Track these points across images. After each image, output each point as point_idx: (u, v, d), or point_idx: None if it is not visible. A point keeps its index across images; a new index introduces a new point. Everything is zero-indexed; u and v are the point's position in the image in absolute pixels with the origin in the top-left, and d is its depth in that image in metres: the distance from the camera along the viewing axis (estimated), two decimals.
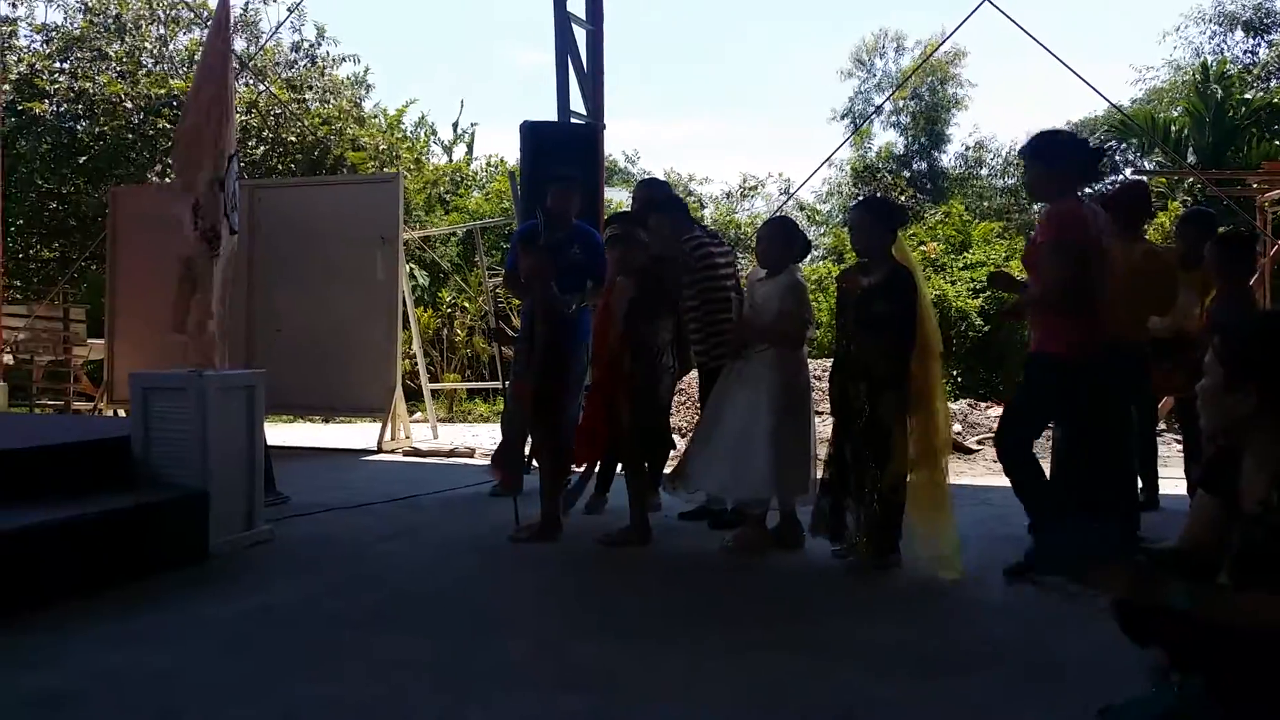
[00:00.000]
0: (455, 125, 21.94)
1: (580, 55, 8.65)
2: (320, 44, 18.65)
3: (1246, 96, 18.16)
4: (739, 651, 3.38)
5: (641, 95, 47.68)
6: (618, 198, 19.49)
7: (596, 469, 5.81)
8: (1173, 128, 17.83)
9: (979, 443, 8.98)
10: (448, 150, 21.82)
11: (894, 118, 28.22)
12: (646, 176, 19.43)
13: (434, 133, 21.79)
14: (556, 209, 5.50)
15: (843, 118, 29.49)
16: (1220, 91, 17.25)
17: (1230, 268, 5.10)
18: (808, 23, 50.82)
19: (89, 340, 11.83)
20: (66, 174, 16.33)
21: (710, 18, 52.53)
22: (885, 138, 28.86)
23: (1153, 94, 23.27)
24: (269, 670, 3.20)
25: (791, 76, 49.15)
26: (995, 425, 9.66)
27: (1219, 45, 23.60)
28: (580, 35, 8.68)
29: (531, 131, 7.17)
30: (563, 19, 8.47)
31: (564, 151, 7.13)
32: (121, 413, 9.52)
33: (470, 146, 21.85)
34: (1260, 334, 2.13)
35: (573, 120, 8.40)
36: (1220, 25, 23.79)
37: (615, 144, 30.12)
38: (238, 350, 8.22)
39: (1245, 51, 23.08)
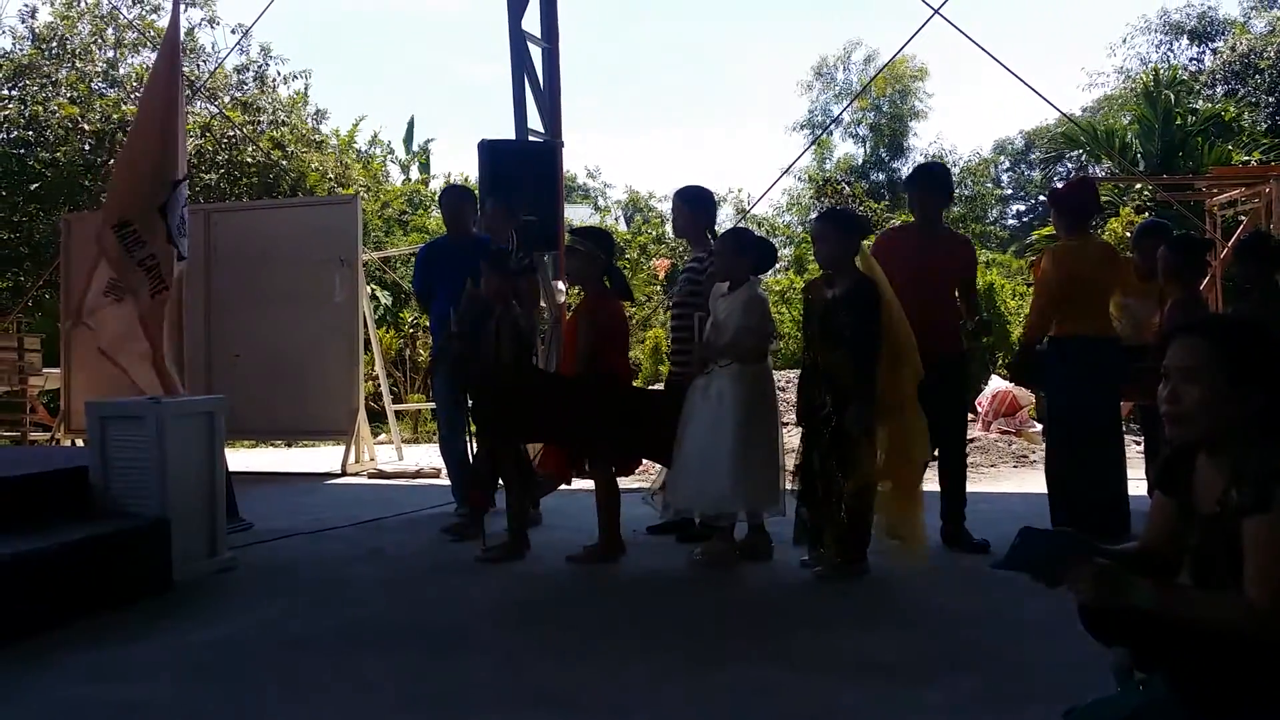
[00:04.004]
0: (408, 142, 21.88)
1: (537, 73, 8.67)
2: (267, 64, 18.52)
3: (1195, 106, 18.48)
4: (707, 664, 3.38)
5: (603, 111, 47.88)
6: (578, 215, 19.51)
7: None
8: (1118, 136, 18.10)
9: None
10: (404, 168, 21.76)
11: (853, 129, 28.49)
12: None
13: (390, 151, 21.74)
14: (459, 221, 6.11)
15: (802, 128, 29.74)
16: (1171, 98, 17.55)
17: (1183, 273, 5.18)
18: (771, 39, 51.33)
19: (45, 370, 11.63)
20: (18, 201, 16.09)
21: (671, 33, 52.84)
22: (845, 148, 29.14)
23: (1104, 101, 23.66)
24: (236, 698, 3.15)
25: (755, 90, 49.56)
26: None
27: (1166, 54, 24.07)
28: (536, 53, 8.71)
29: (490, 150, 7.17)
30: (518, 37, 8.49)
31: (522, 169, 7.14)
32: (79, 442, 9.38)
33: (426, 165, 21.81)
34: (1265, 338, 2.14)
35: (531, 138, 8.41)
36: (1166, 34, 24.28)
37: (576, 160, 30.24)
38: (196, 376, 8.13)
39: (1191, 59, 23.57)
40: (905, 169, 28.55)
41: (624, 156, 49.57)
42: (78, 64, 16.92)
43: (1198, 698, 2.01)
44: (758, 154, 50.27)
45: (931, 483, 4.95)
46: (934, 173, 5.56)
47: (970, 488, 4.65)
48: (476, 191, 7.20)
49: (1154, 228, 6.16)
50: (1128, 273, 5.55)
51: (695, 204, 5.60)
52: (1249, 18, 23.13)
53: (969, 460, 8.59)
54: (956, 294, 5.35)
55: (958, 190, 27.48)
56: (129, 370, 5.70)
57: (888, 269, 4.71)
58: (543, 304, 7.77)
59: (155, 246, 5.60)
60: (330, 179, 16.82)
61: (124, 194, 5.79)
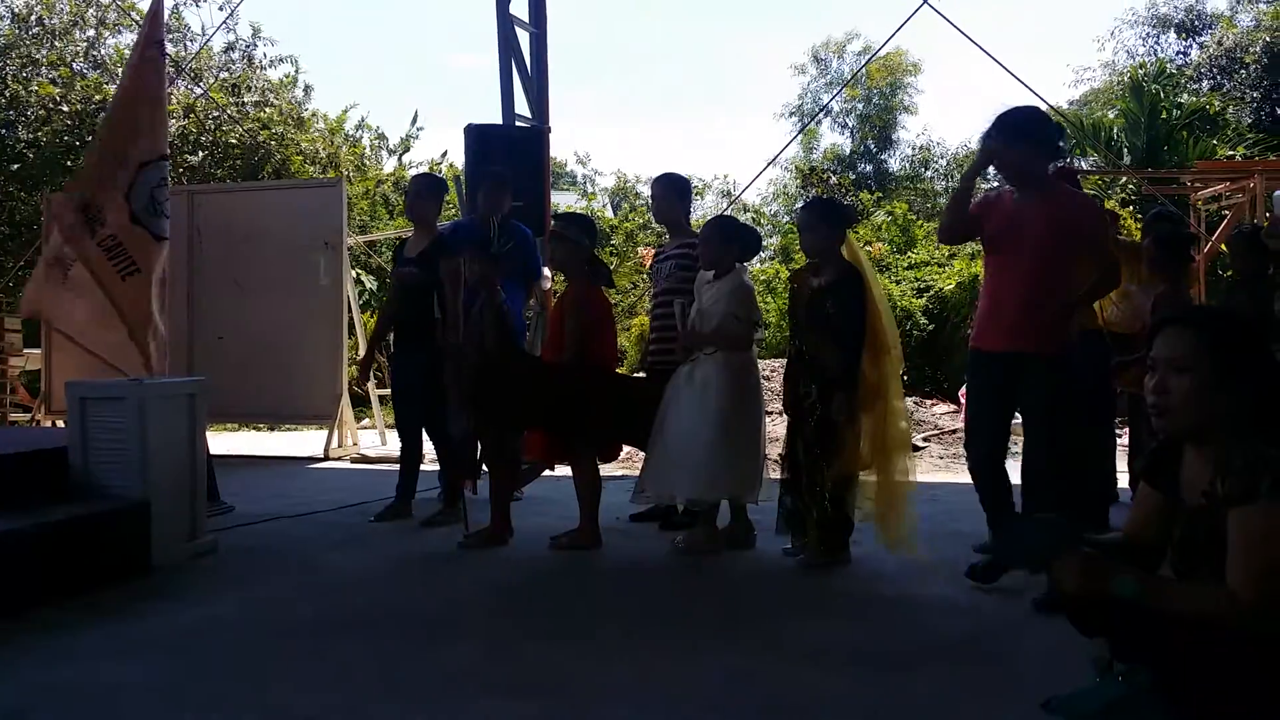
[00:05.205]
0: (408, 137, 21.84)
1: (524, 58, 8.63)
2: (256, 45, 18.39)
3: (1180, 100, 18.54)
4: (690, 652, 3.37)
5: (593, 98, 47.77)
6: (565, 201, 19.45)
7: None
8: (1104, 129, 18.14)
9: (925, 439, 9.07)
10: (393, 152, 21.67)
11: (842, 119, 28.42)
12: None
13: (380, 137, 21.63)
14: (491, 207, 5.75)
15: (790, 115, 29.64)
16: (1159, 92, 17.60)
17: (1168, 266, 5.20)
18: (764, 29, 51.33)
19: (25, 350, 11.55)
20: (0, 181, 15.99)
21: (659, 20, 52.73)
22: (832, 138, 29.07)
23: (1090, 95, 23.71)
24: (218, 682, 3.13)
25: (743, 78, 49.51)
26: (941, 422, 9.77)
27: (1152, 48, 24.14)
28: (524, 38, 8.67)
29: (476, 134, 7.14)
30: (505, 22, 8.45)
31: (509, 154, 7.12)
32: (60, 423, 9.31)
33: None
34: (1252, 330, 2.15)
35: (518, 123, 8.38)
36: (1153, 27, 24.33)
37: (566, 146, 30.15)
38: (178, 357, 8.09)
39: (1178, 53, 23.64)
40: (892, 160, 28.54)
41: (615, 145, 49.54)
42: (57, 44, 16.78)
43: (1179, 689, 2.01)
44: (746, 142, 50.31)
45: (925, 474, 4.94)
46: (1017, 121, 4.12)
47: (954, 479, 4.66)
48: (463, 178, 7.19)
49: (1166, 215, 6.13)
50: (1138, 260, 5.54)
51: (679, 190, 5.59)
52: (1235, 12, 23.21)
53: (954, 452, 8.67)
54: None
55: (946, 182, 27.51)
56: (105, 355, 5.64)
57: (982, 241, 4.32)
58: None
59: (116, 228, 5.51)
60: (320, 160, 16.73)
61: (90, 172, 5.73)
